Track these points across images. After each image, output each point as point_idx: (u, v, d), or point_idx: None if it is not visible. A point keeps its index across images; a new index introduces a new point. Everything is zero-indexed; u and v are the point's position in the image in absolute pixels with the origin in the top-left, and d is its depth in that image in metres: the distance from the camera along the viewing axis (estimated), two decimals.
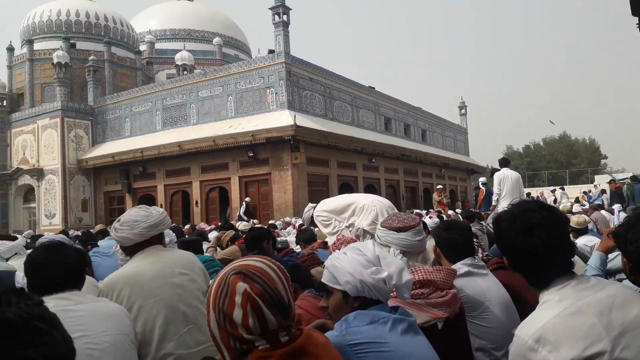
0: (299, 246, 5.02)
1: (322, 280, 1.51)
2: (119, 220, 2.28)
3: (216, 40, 30.95)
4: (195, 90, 19.98)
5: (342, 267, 1.45)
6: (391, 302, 1.52)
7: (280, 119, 17.08)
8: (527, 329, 1.20)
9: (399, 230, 2.12)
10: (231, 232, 5.78)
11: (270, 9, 17.79)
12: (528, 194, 15.24)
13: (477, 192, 13.81)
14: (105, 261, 4.43)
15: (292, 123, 16.26)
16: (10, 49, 24.95)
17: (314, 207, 4.84)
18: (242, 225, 9.13)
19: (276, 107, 17.87)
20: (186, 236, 6.09)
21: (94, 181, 22.46)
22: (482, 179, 13.53)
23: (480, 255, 2.81)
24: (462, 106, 35.03)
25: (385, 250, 1.99)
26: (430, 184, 26.64)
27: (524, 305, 2.14)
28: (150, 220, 2.23)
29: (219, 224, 13.12)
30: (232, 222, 11.02)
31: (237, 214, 16.45)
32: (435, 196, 18.54)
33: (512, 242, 1.33)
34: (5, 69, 24.87)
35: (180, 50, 27.10)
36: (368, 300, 1.44)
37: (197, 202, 19.38)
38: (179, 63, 25.66)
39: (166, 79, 24.43)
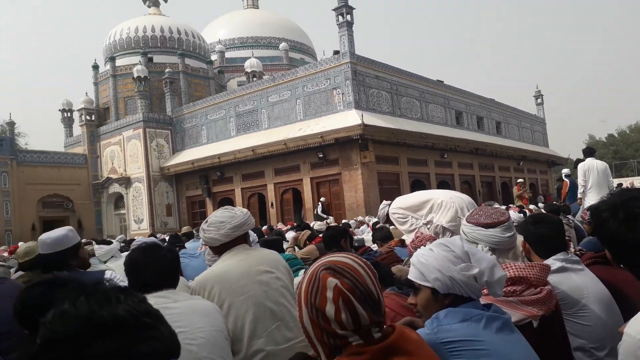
0: (375, 245, 5.00)
1: (409, 277, 1.49)
2: (206, 222, 2.37)
3: (282, 45, 31.56)
4: (265, 95, 20.52)
5: (430, 263, 1.42)
6: (483, 300, 1.47)
7: (347, 119, 17.11)
8: (637, 326, 1.13)
9: (487, 226, 2.04)
10: (307, 232, 5.89)
11: (334, 9, 17.88)
12: (619, 185, 14.14)
13: (560, 184, 12.98)
14: (193, 262, 4.58)
15: (360, 122, 16.24)
16: (95, 67, 26.89)
17: (389, 205, 4.80)
18: (317, 225, 9.25)
19: (343, 107, 17.94)
20: (265, 237, 6.26)
21: (176, 187, 23.72)
22: (565, 171, 12.72)
23: (573, 250, 2.66)
24: (538, 95, 33.20)
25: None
26: (508, 178, 25.53)
27: (626, 303, 2.00)
28: (235, 221, 2.30)
29: (295, 224, 13.41)
30: (307, 222, 11.20)
31: (314, 213, 16.68)
32: (515, 190, 17.70)
33: (614, 234, 1.24)
34: (92, 85, 26.86)
35: (249, 57, 27.90)
36: (459, 297, 1.40)
37: (272, 204, 19.88)
38: (248, 70, 26.44)
39: (237, 86, 25.25)
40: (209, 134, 22.68)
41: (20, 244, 12.41)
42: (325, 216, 15.14)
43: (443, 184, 20.68)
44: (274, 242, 4.35)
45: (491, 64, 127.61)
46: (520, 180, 18.48)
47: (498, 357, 1.31)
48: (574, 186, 10.46)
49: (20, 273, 3.50)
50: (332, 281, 1.15)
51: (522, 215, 6.26)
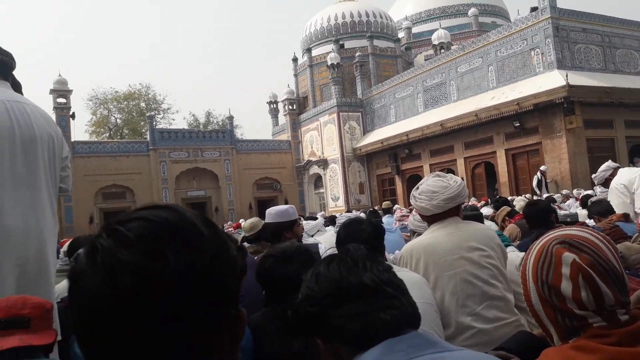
0: (591, 220, 4.40)
1: None
2: (417, 188, 2.27)
3: (471, 11, 29.78)
4: (453, 66, 19.74)
5: None
6: None
7: (548, 81, 15.35)
8: None
9: None
10: (507, 208, 5.52)
11: None
12: None
13: None
14: (389, 236, 4.74)
15: (564, 83, 14.42)
16: (295, 60, 29.46)
17: (614, 169, 4.19)
18: (519, 200, 8.60)
19: (543, 68, 16.14)
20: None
21: (367, 166, 24.68)
22: None
23: None
24: None
25: None
26: None
27: None
28: (448, 192, 2.16)
29: (488, 200, 12.69)
30: (504, 197, 10.46)
31: (533, 186, 14.53)
32: None
33: None
34: (292, 77, 29.51)
35: (436, 29, 27.05)
36: None
37: (462, 179, 19.08)
38: (436, 42, 25.60)
39: (424, 61, 24.82)
40: (396, 113, 22.87)
41: (241, 220, 14.48)
42: (538, 191, 13.46)
43: None
44: (474, 217, 3.89)
45: None
46: None
47: None
48: None
49: (246, 245, 4.11)
50: (568, 256, 1.02)
51: None
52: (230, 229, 12.60)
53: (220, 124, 35.43)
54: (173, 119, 36.79)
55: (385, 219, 6.56)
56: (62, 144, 2.34)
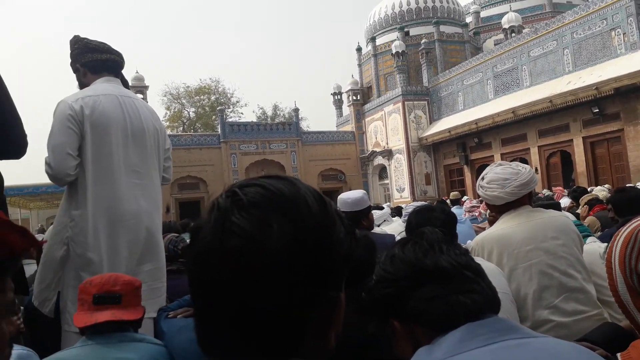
0: None
1: None
2: (482, 178, 2.22)
3: None
4: (525, 51, 18.79)
5: None
6: None
7: (631, 63, 14.25)
8: None
9: None
10: (589, 195, 5.30)
11: None
12: None
13: None
14: (459, 227, 4.70)
15: None
16: (359, 49, 29.21)
17: None
18: (599, 190, 8.14)
19: (625, 50, 14.99)
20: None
21: (434, 156, 24.10)
22: None
23: None
24: None
25: None
26: None
27: None
28: (521, 178, 2.10)
29: (564, 191, 12.00)
30: (582, 187, 9.87)
31: None
32: None
33: None
34: (356, 67, 29.31)
35: (506, 12, 25.80)
36: None
37: (536, 169, 18.22)
38: (506, 26, 24.45)
39: (494, 45, 23.79)
40: (465, 100, 22.13)
41: None
42: None
43: None
44: (551, 206, 3.75)
45: None
46: None
47: None
48: None
49: None
50: None
51: None
52: None
53: (286, 116, 35.98)
54: (242, 113, 37.84)
55: (455, 210, 6.40)
56: (165, 136, 2.59)
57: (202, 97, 36.69)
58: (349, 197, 2.95)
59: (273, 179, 0.60)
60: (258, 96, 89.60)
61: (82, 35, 2.44)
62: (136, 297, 1.66)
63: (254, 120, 32.77)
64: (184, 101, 36.41)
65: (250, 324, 0.55)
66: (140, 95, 23.31)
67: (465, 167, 22.03)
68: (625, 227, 1.06)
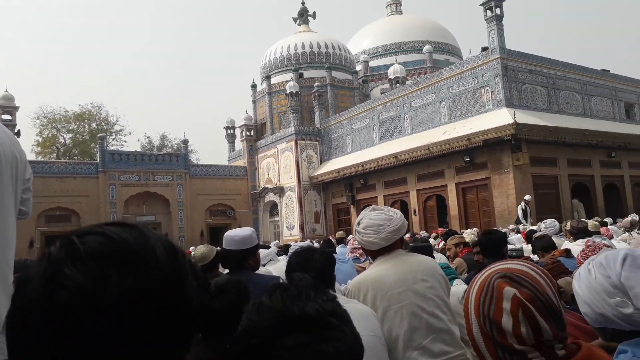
0: (535, 255, 4.54)
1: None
2: (359, 224, 2.31)
3: (426, 48, 31.02)
4: (408, 101, 20.34)
5: (581, 293, 1.19)
6: None
7: (497, 118, 16.04)
8: None
9: None
10: (456, 237, 5.66)
11: (482, 4, 17.03)
12: None
13: None
14: (342, 266, 4.63)
15: (512, 121, 15.08)
16: (254, 86, 29.53)
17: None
18: (468, 234, 8.81)
19: (492, 106, 16.88)
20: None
21: (323, 195, 24.73)
22: None
23: None
24: None
25: None
26: None
27: None
28: (393, 224, 2.22)
29: (438, 232, 12.91)
30: (454, 230, 10.69)
31: (519, 216, 14.25)
32: None
33: None
34: (250, 103, 29.49)
35: (392, 64, 27.97)
36: (620, 331, 1.13)
37: (415, 211, 19.50)
38: (392, 77, 26.49)
39: (380, 94, 25.47)
40: (353, 143, 23.22)
41: (191, 248, 14.04)
42: (524, 221, 13.32)
43: (611, 188, 18.16)
44: (423, 248, 3.97)
45: None
46: None
47: None
48: None
49: None
50: (509, 291, 1.03)
51: None
52: None
53: (175, 147, 34.80)
54: (125, 141, 35.93)
55: (338, 249, 6.53)
56: (25, 165, 2.23)
57: (82, 122, 34.22)
58: (236, 234, 2.84)
59: (119, 227, 0.55)
60: (145, 126, 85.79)
61: None
62: None
63: (139, 149, 31.19)
64: (60, 126, 33.62)
65: None
66: (7, 117, 21.06)
67: (352, 206, 22.85)
68: (481, 274, 1.10)
